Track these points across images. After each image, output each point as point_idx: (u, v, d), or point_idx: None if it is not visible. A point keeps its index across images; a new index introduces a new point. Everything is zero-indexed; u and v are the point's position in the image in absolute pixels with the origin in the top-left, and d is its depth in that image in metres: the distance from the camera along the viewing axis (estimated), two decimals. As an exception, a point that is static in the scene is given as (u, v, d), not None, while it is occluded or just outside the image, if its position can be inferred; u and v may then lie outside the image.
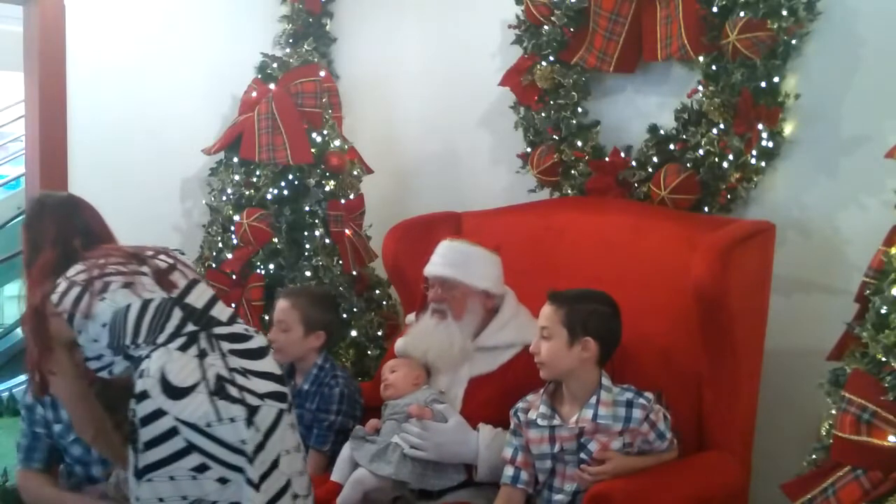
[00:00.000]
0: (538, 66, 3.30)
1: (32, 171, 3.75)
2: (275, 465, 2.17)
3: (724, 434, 2.60)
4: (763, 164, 2.89)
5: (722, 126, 2.92)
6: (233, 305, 3.36)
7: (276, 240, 3.63)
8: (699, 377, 2.61)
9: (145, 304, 2.22)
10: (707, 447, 2.60)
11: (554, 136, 3.32)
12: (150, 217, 3.73)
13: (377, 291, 3.81)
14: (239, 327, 2.32)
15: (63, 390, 2.34)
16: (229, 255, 3.67)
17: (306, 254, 3.61)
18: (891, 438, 2.07)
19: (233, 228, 3.69)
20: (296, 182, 3.66)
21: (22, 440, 2.66)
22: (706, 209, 3.01)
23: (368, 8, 4.12)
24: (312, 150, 3.60)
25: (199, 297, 2.30)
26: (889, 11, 2.69)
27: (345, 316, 3.57)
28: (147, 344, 2.19)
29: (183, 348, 2.18)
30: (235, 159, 3.74)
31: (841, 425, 2.16)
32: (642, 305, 2.63)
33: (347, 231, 3.63)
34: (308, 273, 3.56)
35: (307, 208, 3.66)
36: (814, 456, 2.30)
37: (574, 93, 3.27)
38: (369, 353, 3.66)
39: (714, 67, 2.93)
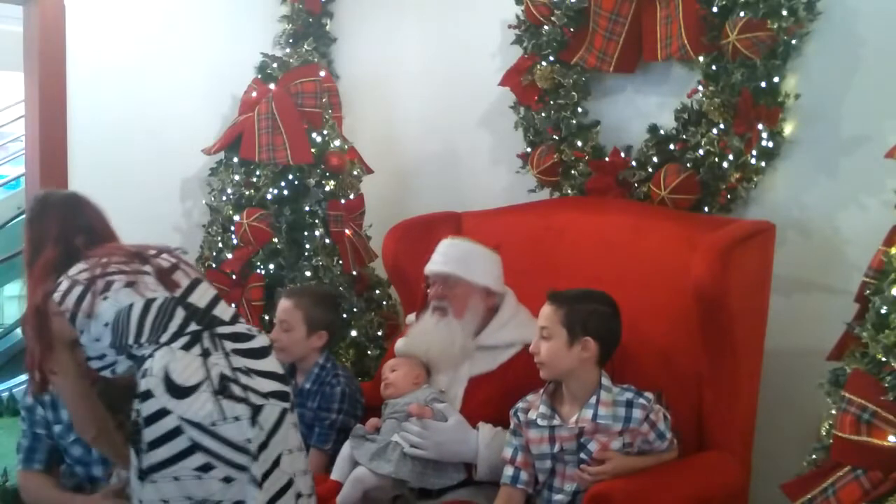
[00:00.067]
0: (538, 66, 3.30)
1: (32, 171, 3.75)
2: (276, 463, 2.17)
3: (724, 434, 2.60)
4: (763, 164, 2.89)
5: (722, 126, 2.92)
6: (233, 305, 3.36)
7: (276, 240, 3.63)
8: (699, 377, 2.61)
9: (148, 304, 2.22)
10: (707, 447, 2.60)
11: (554, 136, 3.32)
12: (150, 217, 3.73)
13: (377, 291, 3.81)
14: (241, 327, 2.32)
15: (65, 389, 2.34)
16: (229, 255, 3.67)
17: (306, 254, 3.61)
18: (891, 438, 2.07)
19: (233, 228, 3.69)
20: (296, 182, 3.66)
21: (22, 441, 2.66)
22: (706, 209, 3.01)
23: (368, 8, 4.12)
24: (312, 150, 3.60)
25: (201, 296, 2.30)
26: (889, 11, 2.69)
27: (345, 316, 3.57)
28: (150, 343, 2.19)
29: (186, 347, 2.18)
30: (235, 159, 3.74)
31: (841, 425, 2.16)
32: (642, 305, 2.63)
33: (347, 231, 3.64)
34: (308, 273, 3.56)
35: (307, 208, 3.66)
36: (814, 456, 2.30)
37: (574, 93, 3.27)
38: (369, 353, 3.66)
39: (714, 67, 2.93)
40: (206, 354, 2.18)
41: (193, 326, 2.23)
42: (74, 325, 2.23)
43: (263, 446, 2.14)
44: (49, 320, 2.26)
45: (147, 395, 2.12)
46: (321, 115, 3.68)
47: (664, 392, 2.53)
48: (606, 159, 3.21)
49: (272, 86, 3.70)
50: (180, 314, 2.23)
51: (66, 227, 2.41)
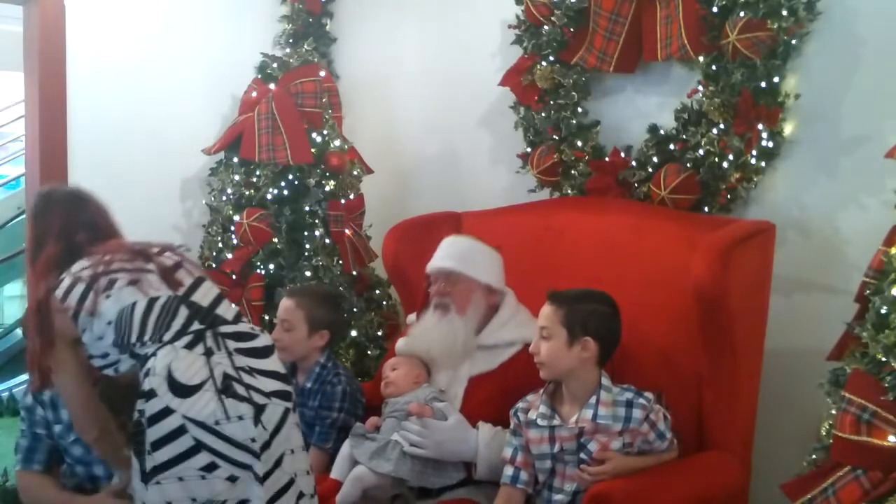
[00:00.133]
0: (538, 66, 3.30)
1: (32, 171, 3.75)
2: (278, 463, 2.17)
3: (724, 434, 2.60)
4: (763, 164, 2.89)
5: (722, 126, 2.92)
6: (233, 305, 3.36)
7: (276, 240, 3.63)
8: (699, 377, 2.61)
9: (151, 302, 2.22)
10: (707, 447, 2.60)
11: (554, 136, 3.32)
12: (150, 217, 3.72)
13: (377, 291, 3.81)
14: (244, 326, 2.32)
15: (66, 388, 2.33)
16: (229, 255, 3.67)
17: (306, 254, 3.61)
18: (891, 438, 2.07)
19: (233, 228, 3.69)
20: (296, 182, 3.66)
21: (21, 441, 2.65)
22: (706, 209, 3.01)
23: (368, 8, 4.12)
24: (312, 150, 3.60)
25: (204, 295, 2.30)
26: (889, 11, 2.70)
27: (345, 316, 3.57)
28: (153, 342, 2.19)
29: (189, 346, 2.17)
30: (235, 159, 3.74)
31: (841, 425, 2.16)
32: (642, 305, 2.63)
33: (347, 231, 3.63)
34: (308, 273, 3.56)
35: (307, 208, 3.66)
36: (814, 456, 2.30)
37: (574, 93, 3.27)
38: (369, 352, 3.66)
39: (714, 67, 2.93)
40: (209, 353, 2.17)
41: (196, 325, 2.22)
42: (77, 323, 2.23)
43: (266, 446, 2.14)
44: (51, 317, 2.25)
45: (150, 394, 2.11)
46: (321, 115, 3.68)
47: (664, 392, 2.53)
48: (606, 159, 3.21)
49: (272, 86, 3.70)
50: (183, 313, 2.23)
51: (68, 224, 2.40)
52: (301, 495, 2.23)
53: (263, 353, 2.27)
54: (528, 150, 3.42)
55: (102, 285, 2.22)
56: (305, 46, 4.00)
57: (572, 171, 3.28)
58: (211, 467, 2.10)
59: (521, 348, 2.65)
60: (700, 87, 2.97)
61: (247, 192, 3.70)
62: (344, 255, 3.63)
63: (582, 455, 2.38)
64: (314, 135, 3.65)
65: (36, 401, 2.63)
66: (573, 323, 2.37)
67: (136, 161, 3.82)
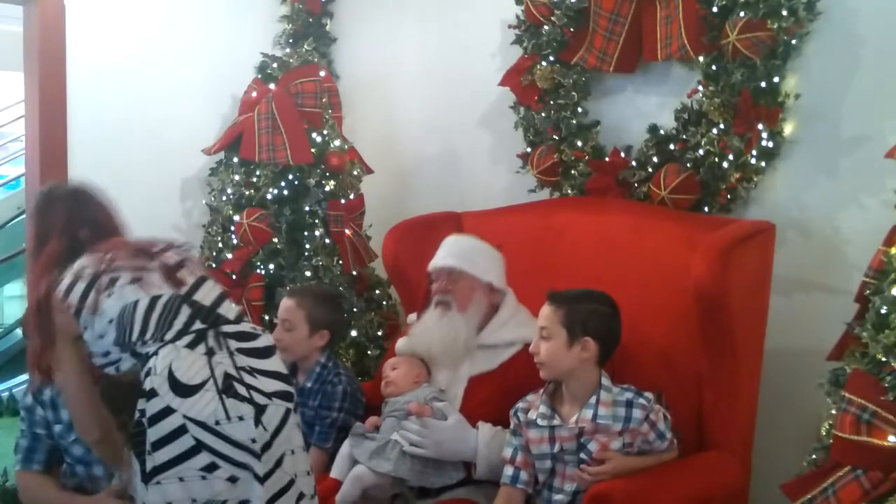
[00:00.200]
0: (538, 66, 3.30)
1: (32, 171, 3.75)
2: (278, 463, 2.17)
3: (724, 434, 2.60)
4: (763, 164, 2.89)
5: (722, 126, 2.92)
6: (234, 305, 3.36)
7: (276, 240, 3.63)
8: (699, 377, 2.61)
9: (153, 301, 2.21)
10: (707, 447, 2.60)
11: (554, 136, 3.32)
12: (150, 217, 3.70)
13: (377, 291, 3.81)
14: (246, 326, 2.31)
15: (68, 386, 2.32)
16: (229, 255, 3.67)
17: (306, 254, 3.61)
18: (891, 438, 2.07)
19: (233, 228, 3.69)
20: (296, 182, 3.66)
21: (21, 441, 2.65)
22: (706, 209, 3.01)
23: (368, 8, 4.12)
24: (312, 150, 3.60)
25: (206, 294, 2.29)
26: (889, 11, 2.70)
27: (345, 316, 3.57)
28: (154, 341, 2.18)
29: (191, 346, 2.17)
30: (235, 159, 3.74)
31: (841, 425, 2.16)
32: (642, 305, 2.63)
33: (347, 231, 3.63)
34: (308, 273, 3.56)
35: (307, 208, 3.66)
36: (814, 456, 2.30)
37: (574, 93, 3.27)
38: (369, 352, 3.66)
39: (714, 67, 2.93)
40: (210, 353, 2.17)
41: (198, 325, 2.21)
42: (79, 320, 2.22)
43: (267, 446, 2.14)
44: (51, 314, 2.25)
45: (152, 393, 2.11)
46: (321, 115, 3.68)
47: (664, 392, 2.53)
48: (606, 159, 3.21)
49: (272, 86, 3.70)
50: (185, 312, 2.22)
51: (71, 220, 2.39)
52: (301, 496, 2.22)
53: (265, 353, 2.27)
54: (528, 150, 3.42)
55: (104, 283, 2.21)
56: (305, 46, 4.00)
57: (572, 171, 3.28)
58: (211, 467, 2.09)
59: (521, 348, 2.65)
60: (700, 87, 2.97)
61: (247, 192, 3.70)
62: (344, 255, 3.63)
63: (582, 455, 2.38)
64: (314, 135, 3.65)
65: (36, 401, 2.63)
66: (573, 323, 2.37)
67: (136, 161, 3.82)
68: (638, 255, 2.83)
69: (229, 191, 3.76)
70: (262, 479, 2.11)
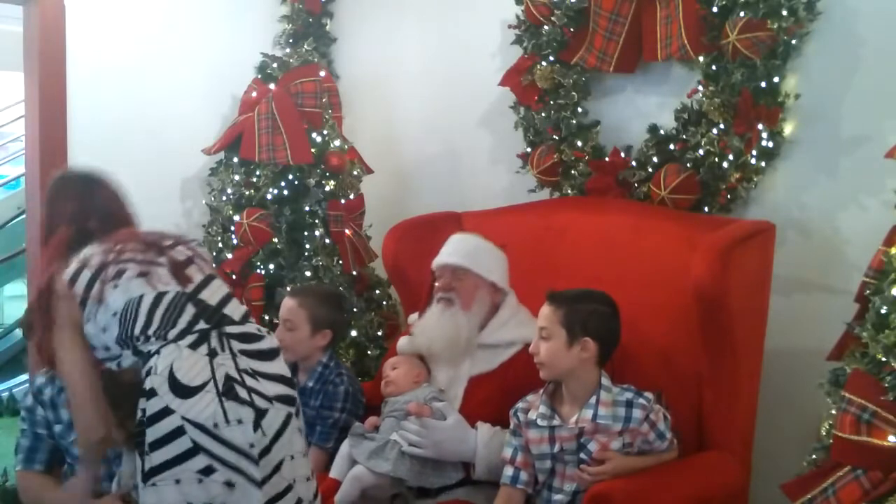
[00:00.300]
0: (538, 66, 3.30)
1: (32, 171, 3.75)
2: (276, 469, 2.16)
3: (724, 434, 2.60)
4: (763, 164, 2.89)
5: (722, 126, 2.92)
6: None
7: (276, 240, 3.63)
8: (699, 377, 2.61)
9: (159, 297, 2.20)
10: (707, 447, 2.60)
11: (554, 136, 3.32)
12: (150, 217, 3.68)
13: (377, 291, 3.81)
14: (251, 327, 2.29)
15: (72, 377, 2.25)
16: (229, 255, 3.68)
17: (306, 254, 3.61)
18: (891, 438, 2.07)
19: (233, 228, 3.69)
20: (296, 182, 3.66)
21: (22, 441, 2.65)
22: (706, 209, 3.01)
23: (368, 8, 4.12)
24: (312, 150, 3.60)
25: (213, 293, 2.27)
26: (889, 11, 2.69)
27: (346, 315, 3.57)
28: (157, 339, 2.16)
29: (193, 346, 2.15)
30: (235, 159, 3.74)
31: (841, 425, 2.16)
32: (642, 305, 2.63)
33: (347, 231, 3.64)
34: (308, 273, 3.56)
35: (307, 208, 3.66)
36: (814, 456, 2.30)
37: (574, 93, 3.27)
38: (369, 352, 3.66)
39: (714, 67, 2.93)
40: (212, 354, 2.15)
41: (202, 324, 2.20)
42: (84, 310, 2.19)
43: (266, 451, 2.12)
44: (55, 299, 2.22)
45: (151, 392, 2.10)
46: (321, 115, 3.68)
47: (664, 392, 2.53)
48: (606, 159, 3.21)
49: (272, 86, 3.70)
50: (190, 311, 2.20)
51: (81, 209, 2.37)
52: (299, 501, 2.21)
53: (269, 355, 2.25)
54: (528, 150, 3.42)
55: (111, 274, 2.19)
56: (305, 46, 4.00)
57: (572, 171, 3.28)
58: (208, 470, 2.07)
59: (521, 348, 2.65)
60: (700, 87, 2.97)
61: (247, 192, 3.71)
62: (344, 255, 3.63)
63: (582, 455, 2.38)
64: (314, 135, 3.65)
65: (36, 401, 2.63)
66: (573, 323, 2.37)
67: (136, 161, 3.81)
68: (638, 255, 2.83)
69: (229, 191, 3.76)
70: (259, 484, 2.10)
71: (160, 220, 3.78)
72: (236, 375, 2.14)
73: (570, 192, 3.30)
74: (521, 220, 3.20)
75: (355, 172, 3.76)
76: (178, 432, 2.07)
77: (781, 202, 2.92)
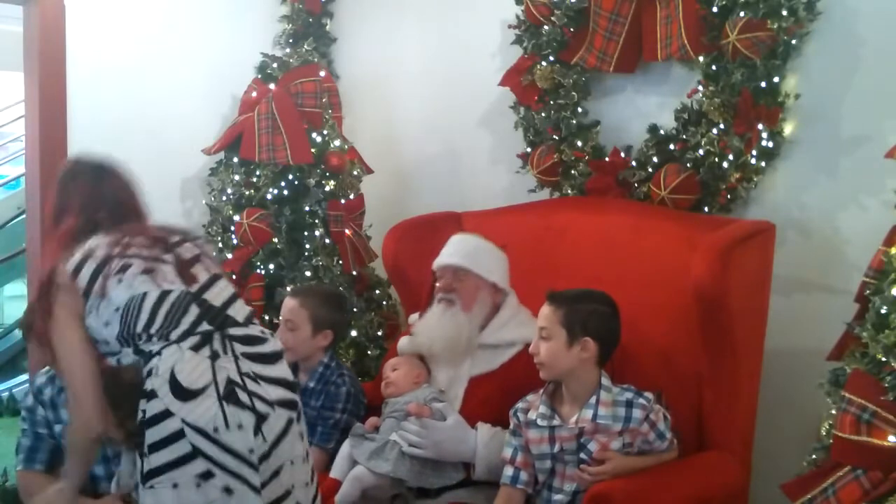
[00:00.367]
0: (538, 66, 3.30)
1: (32, 171, 3.75)
2: (276, 474, 2.14)
3: (724, 434, 2.60)
4: (763, 164, 2.89)
5: (722, 126, 2.92)
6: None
7: (276, 240, 3.63)
8: (699, 377, 2.61)
9: (163, 296, 2.17)
10: (707, 447, 2.60)
11: (554, 136, 3.32)
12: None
13: (377, 291, 3.81)
14: (255, 329, 2.26)
15: (72, 369, 2.21)
16: (229, 255, 3.67)
17: (306, 254, 3.61)
18: (891, 438, 2.07)
19: (233, 228, 3.69)
20: (296, 182, 3.66)
21: (23, 441, 2.65)
22: (706, 209, 3.01)
23: (368, 8, 4.12)
24: (312, 150, 3.60)
25: (218, 294, 2.24)
26: (889, 11, 2.70)
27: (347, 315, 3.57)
28: (159, 338, 2.14)
29: (195, 348, 2.13)
30: (235, 159, 3.74)
31: (841, 425, 2.16)
32: (642, 305, 2.63)
33: (347, 231, 3.64)
34: (308, 273, 3.56)
35: (307, 208, 3.66)
36: (814, 456, 2.30)
37: (574, 93, 3.27)
38: (369, 353, 3.66)
39: (714, 67, 2.93)
40: (214, 357, 2.13)
41: (205, 326, 2.17)
42: (87, 302, 2.16)
43: (265, 456, 2.11)
44: (56, 289, 2.18)
45: (152, 394, 2.08)
46: (321, 115, 3.68)
47: (664, 392, 2.53)
48: (606, 159, 3.21)
49: (272, 86, 3.70)
50: (194, 311, 2.17)
51: (90, 200, 2.33)
52: None
53: (271, 358, 2.23)
54: (528, 150, 3.42)
55: (114, 268, 2.16)
56: (305, 46, 4.00)
57: (572, 171, 3.28)
58: (206, 475, 2.05)
59: (522, 348, 2.65)
60: (700, 87, 2.97)
61: (247, 192, 3.71)
62: (344, 255, 3.63)
63: (582, 455, 2.38)
64: (314, 135, 3.65)
65: (37, 401, 2.63)
66: (573, 323, 2.37)
67: (136, 161, 3.76)
68: (638, 255, 2.83)
69: (229, 191, 3.76)
70: (258, 490, 2.08)
71: (160, 221, 3.81)
72: (238, 379, 2.11)
73: (570, 192, 3.30)
74: (521, 220, 3.20)
75: (355, 172, 3.76)
76: (178, 435, 2.05)
77: (781, 202, 2.92)
